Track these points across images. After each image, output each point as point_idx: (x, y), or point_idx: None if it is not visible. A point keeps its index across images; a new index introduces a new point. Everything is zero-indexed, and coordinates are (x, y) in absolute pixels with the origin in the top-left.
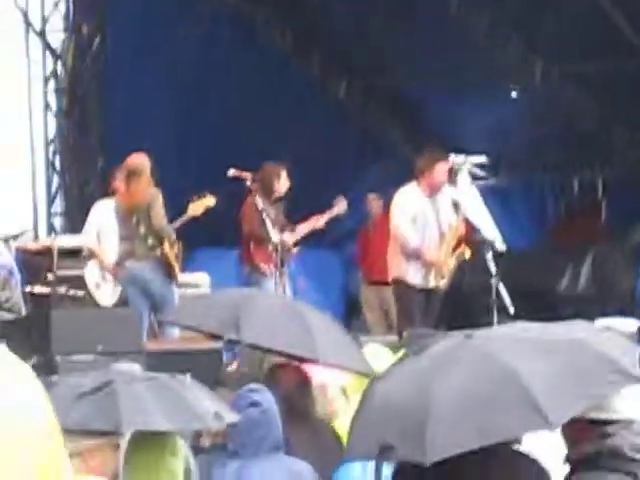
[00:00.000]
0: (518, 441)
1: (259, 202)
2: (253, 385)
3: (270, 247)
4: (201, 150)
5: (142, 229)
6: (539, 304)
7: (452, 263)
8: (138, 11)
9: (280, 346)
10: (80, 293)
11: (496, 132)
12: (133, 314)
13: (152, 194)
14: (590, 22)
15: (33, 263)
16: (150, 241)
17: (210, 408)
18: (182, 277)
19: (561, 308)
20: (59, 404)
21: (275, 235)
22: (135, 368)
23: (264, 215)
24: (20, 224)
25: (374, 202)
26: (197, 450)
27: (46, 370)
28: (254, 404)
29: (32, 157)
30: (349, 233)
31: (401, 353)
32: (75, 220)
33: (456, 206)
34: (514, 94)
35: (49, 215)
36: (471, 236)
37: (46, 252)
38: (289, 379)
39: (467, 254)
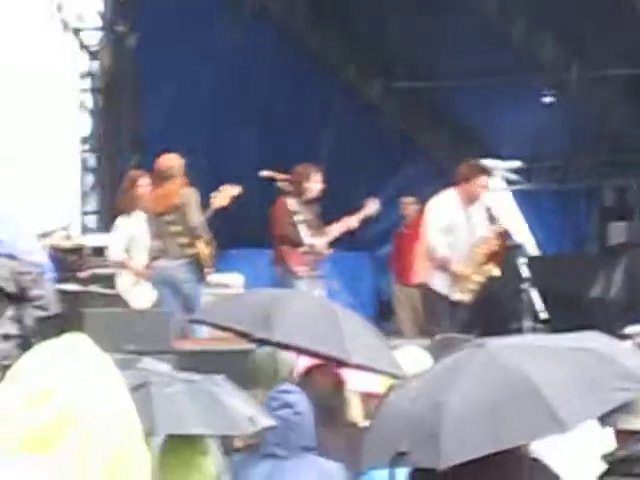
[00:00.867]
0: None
1: (291, 203)
2: (286, 386)
3: (302, 249)
4: (234, 150)
5: (175, 228)
6: (571, 309)
7: (478, 279)
8: (173, 9)
9: (311, 345)
10: (112, 291)
11: (530, 137)
12: (164, 313)
13: (188, 193)
14: (627, 26)
15: (66, 261)
16: (182, 240)
17: (245, 412)
18: (216, 277)
19: (593, 314)
20: None
21: (307, 237)
22: (163, 367)
23: (296, 217)
24: (53, 222)
25: (409, 205)
26: (229, 451)
27: None
28: (287, 405)
29: (66, 155)
30: (381, 235)
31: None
32: (108, 219)
33: (492, 220)
34: (548, 99)
35: (82, 213)
36: (505, 240)
37: (79, 250)
38: (324, 381)
39: (495, 272)
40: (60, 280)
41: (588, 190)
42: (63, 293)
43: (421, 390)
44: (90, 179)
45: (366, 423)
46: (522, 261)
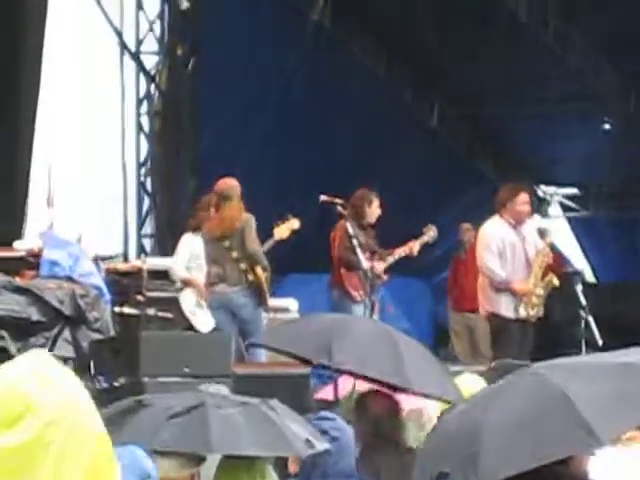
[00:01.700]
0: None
1: (350, 228)
2: (325, 413)
3: (360, 273)
4: (293, 174)
5: (234, 254)
6: (629, 336)
7: (542, 292)
8: (232, 33)
9: (371, 372)
10: (169, 315)
11: (587, 164)
12: (222, 337)
13: (246, 219)
14: None
15: (122, 284)
16: (242, 266)
17: (301, 434)
18: (272, 302)
19: None
20: (149, 424)
21: (365, 261)
22: (224, 391)
23: (355, 241)
24: (111, 245)
25: (467, 231)
26: (284, 476)
27: (134, 391)
28: (324, 433)
29: (124, 178)
30: (438, 261)
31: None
32: (165, 242)
33: (542, 234)
34: (606, 126)
35: (139, 236)
36: (562, 267)
37: (136, 273)
38: (379, 406)
39: (555, 282)
40: (117, 303)
41: None
42: (120, 316)
43: (466, 412)
44: (147, 202)
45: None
46: (579, 288)
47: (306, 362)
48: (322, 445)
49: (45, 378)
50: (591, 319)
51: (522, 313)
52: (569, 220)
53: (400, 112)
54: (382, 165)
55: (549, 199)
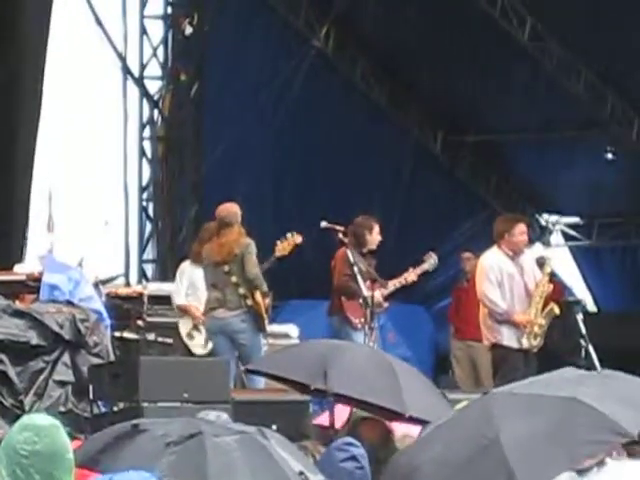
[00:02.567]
0: None
1: (350, 255)
2: (351, 439)
3: (360, 300)
4: (293, 199)
5: (234, 278)
6: (629, 366)
7: (543, 322)
8: (234, 59)
9: (367, 397)
10: (169, 340)
11: (591, 193)
12: (221, 363)
13: (246, 244)
14: None
15: (123, 309)
16: (241, 291)
17: (296, 467)
18: (271, 328)
19: None
20: (146, 451)
21: (365, 289)
22: (224, 417)
23: (355, 268)
24: (112, 269)
25: (468, 261)
26: None
27: (132, 416)
28: (354, 459)
29: (126, 203)
30: (439, 288)
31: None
32: (166, 267)
33: (540, 264)
34: (610, 155)
35: (140, 261)
36: (562, 295)
37: (136, 298)
38: (373, 432)
39: (556, 311)
40: (117, 327)
41: None
42: (120, 340)
43: (414, 445)
44: (149, 227)
45: None
46: (580, 317)
47: (303, 388)
48: (315, 477)
49: None
50: (591, 348)
51: (525, 344)
52: (571, 249)
53: (403, 139)
54: (383, 192)
55: (551, 228)
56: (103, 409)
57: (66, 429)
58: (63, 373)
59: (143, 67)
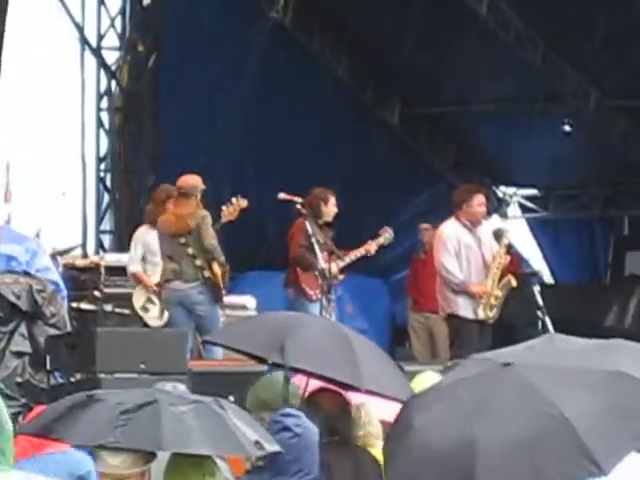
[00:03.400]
0: None
1: (309, 227)
2: (288, 409)
3: (317, 272)
4: (251, 172)
5: (190, 250)
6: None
7: (499, 293)
8: (192, 30)
9: (324, 371)
10: (126, 311)
11: (548, 165)
12: (178, 334)
13: (202, 216)
14: None
15: (80, 280)
16: (198, 262)
17: (252, 436)
18: (229, 299)
19: None
20: (101, 419)
21: (322, 260)
22: (181, 388)
23: (313, 240)
24: (69, 240)
25: (426, 231)
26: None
27: (89, 387)
28: (286, 429)
29: (83, 174)
30: (396, 260)
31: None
32: (124, 238)
33: (497, 236)
34: (567, 127)
35: (98, 232)
36: (519, 267)
37: (94, 269)
38: (330, 404)
39: (513, 282)
40: (74, 298)
41: (605, 219)
42: (77, 311)
43: (447, 418)
44: (106, 198)
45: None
46: (537, 289)
47: (261, 360)
48: (272, 447)
49: None
50: (548, 320)
51: (480, 314)
52: (528, 221)
53: (360, 111)
54: (340, 163)
55: (508, 200)
56: (60, 380)
57: (23, 400)
58: (20, 344)
59: (101, 38)
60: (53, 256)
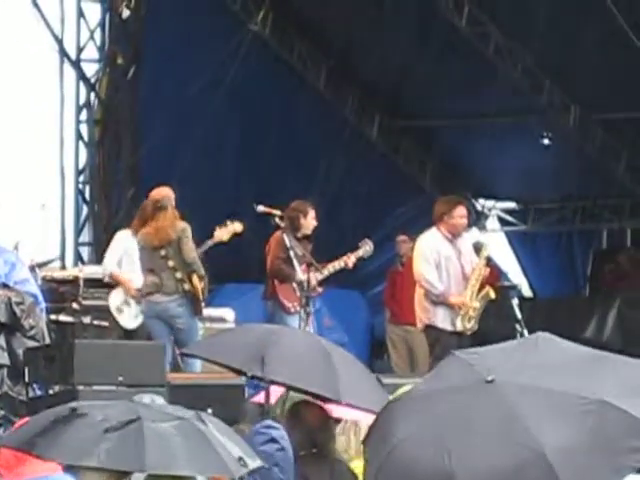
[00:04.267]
0: None
1: (287, 239)
2: (270, 421)
3: (295, 284)
4: (230, 184)
5: (171, 262)
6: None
7: (478, 305)
8: (172, 43)
9: (303, 384)
10: (104, 323)
11: (527, 178)
12: (157, 346)
13: (182, 228)
14: (627, 72)
15: (59, 292)
16: (178, 275)
17: (234, 453)
18: (207, 311)
19: None
20: (84, 437)
21: (301, 273)
22: (160, 401)
23: (291, 252)
24: (48, 252)
25: (404, 244)
26: None
27: (67, 399)
28: (273, 440)
29: (62, 186)
30: (375, 273)
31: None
32: (103, 250)
33: (477, 248)
34: (546, 141)
35: (77, 244)
36: (498, 280)
37: (72, 281)
38: (312, 417)
39: (492, 294)
40: (53, 311)
41: (584, 232)
42: (55, 323)
43: (426, 434)
44: (85, 210)
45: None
46: (516, 302)
47: (240, 373)
48: (255, 463)
49: None
50: (526, 333)
51: (459, 326)
52: (507, 234)
53: (339, 124)
54: (319, 177)
55: (487, 213)
56: (39, 392)
57: (1, 412)
58: None
59: (80, 50)
60: (32, 268)
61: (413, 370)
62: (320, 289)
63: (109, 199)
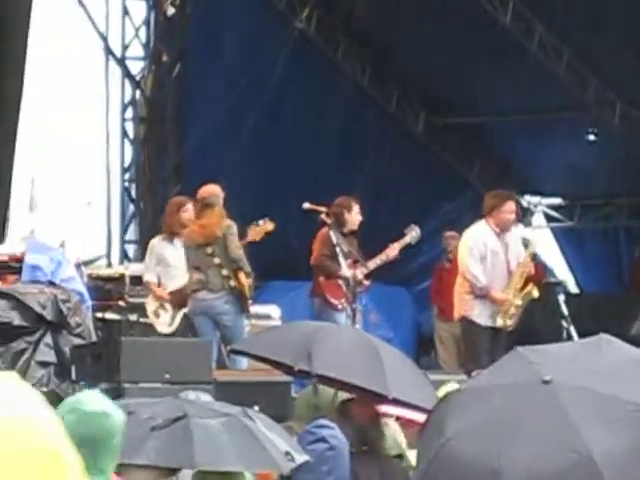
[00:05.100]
0: None
1: (332, 235)
2: (323, 421)
3: (341, 281)
4: (276, 181)
5: (216, 260)
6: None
7: (520, 303)
8: (217, 40)
9: (350, 379)
10: (150, 321)
11: (573, 174)
12: (203, 343)
13: (228, 225)
14: None
15: (105, 289)
16: (224, 272)
17: (281, 448)
18: (254, 309)
19: None
20: (133, 434)
21: (347, 269)
22: (205, 398)
23: (337, 249)
24: (94, 250)
25: (452, 239)
26: None
27: (114, 396)
28: (322, 440)
29: (108, 184)
30: (421, 268)
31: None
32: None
33: (526, 244)
34: (592, 137)
35: (122, 242)
36: (544, 277)
37: (118, 279)
38: (362, 413)
39: (535, 293)
40: (99, 308)
41: (630, 228)
42: (101, 321)
43: (479, 429)
44: (131, 208)
45: (407, 453)
46: (562, 298)
47: (286, 369)
48: (302, 457)
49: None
50: (573, 329)
51: (499, 322)
52: (553, 230)
53: (385, 121)
54: (366, 174)
55: (533, 209)
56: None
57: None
58: (45, 354)
59: (125, 48)
60: (78, 266)
61: (461, 367)
62: (367, 282)
63: (154, 197)
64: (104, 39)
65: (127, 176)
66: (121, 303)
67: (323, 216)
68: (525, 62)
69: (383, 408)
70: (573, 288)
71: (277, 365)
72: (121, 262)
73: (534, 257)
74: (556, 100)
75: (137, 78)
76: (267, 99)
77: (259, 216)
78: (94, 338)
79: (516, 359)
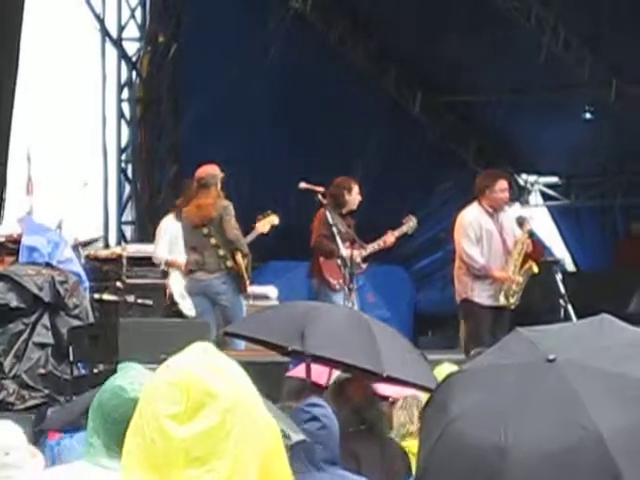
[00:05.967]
0: None
1: (329, 216)
2: (314, 399)
3: (339, 261)
4: (273, 161)
5: (213, 240)
6: None
7: (521, 280)
8: (213, 21)
9: (344, 357)
10: (148, 302)
11: (569, 153)
12: (201, 324)
13: (224, 206)
14: None
15: (102, 271)
16: (221, 252)
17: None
18: (251, 289)
19: None
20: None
21: (344, 249)
22: None
23: (334, 229)
24: (91, 231)
25: None
26: None
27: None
28: (315, 419)
29: (105, 165)
30: (418, 249)
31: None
32: (145, 229)
33: (521, 222)
34: (588, 115)
35: (119, 223)
36: (542, 254)
37: (116, 260)
38: (356, 393)
39: (535, 269)
40: (96, 289)
41: (626, 206)
42: (99, 302)
43: (484, 409)
44: (128, 189)
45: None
46: (559, 276)
47: (282, 350)
48: (297, 436)
49: (217, 368)
50: (570, 308)
51: (502, 301)
52: (549, 209)
53: (382, 100)
54: (362, 153)
55: (530, 188)
56: (82, 371)
57: (46, 391)
58: (43, 335)
59: (121, 29)
60: (75, 247)
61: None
62: (364, 265)
63: (151, 177)
64: (100, 20)
65: (124, 157)
66: (119, 284)
67: (320, 196)
68: (521, 41)
69: (379, 389)
70: (570, 266)
71: (272, 346)
72: (118, 243)
73: (531, 234)
74: (553, 79)
75: (133, 59)
76: (262, 79)
77: (256, 196)
78: (92, 319)
79: (518, 339)
